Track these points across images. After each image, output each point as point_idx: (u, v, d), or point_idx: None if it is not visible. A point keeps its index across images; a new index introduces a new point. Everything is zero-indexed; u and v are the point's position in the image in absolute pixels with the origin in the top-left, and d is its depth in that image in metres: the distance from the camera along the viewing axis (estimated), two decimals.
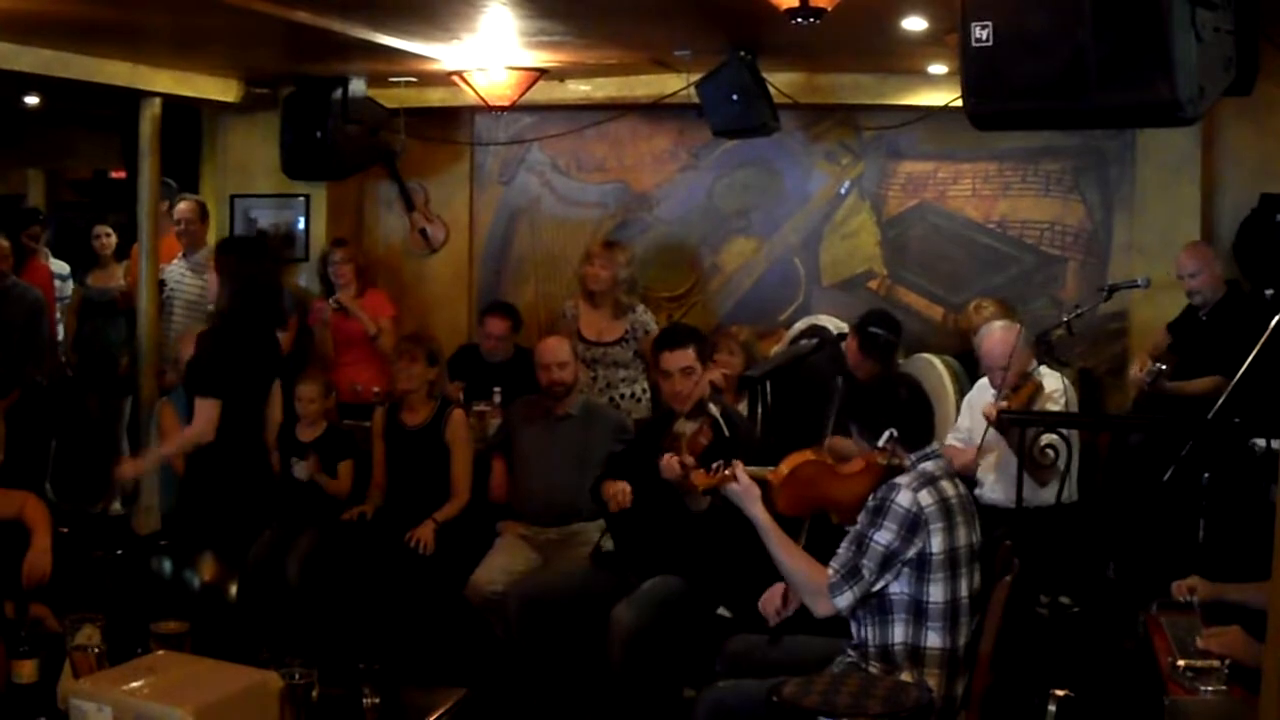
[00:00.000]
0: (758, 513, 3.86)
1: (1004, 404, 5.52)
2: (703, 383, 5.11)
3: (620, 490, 5.04)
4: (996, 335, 5.74)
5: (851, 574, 3.73)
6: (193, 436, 5.42)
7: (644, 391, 6.82)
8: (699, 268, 8.17)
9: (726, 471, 3.91)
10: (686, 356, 5.06)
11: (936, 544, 3.72)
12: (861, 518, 3.81)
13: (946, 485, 3.82)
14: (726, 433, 4.98)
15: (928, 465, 3.85)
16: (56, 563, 4.70)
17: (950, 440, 5.84)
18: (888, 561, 3.72)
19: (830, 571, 3.77)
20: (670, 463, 4.78)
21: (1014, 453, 5.47)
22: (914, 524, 3.70)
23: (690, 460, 4.70)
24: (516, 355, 6.94)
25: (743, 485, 3.87)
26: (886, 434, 3.85)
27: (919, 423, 3.94)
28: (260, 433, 5.75)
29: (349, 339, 7.43)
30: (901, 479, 3.79)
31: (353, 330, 7.42)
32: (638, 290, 7.12)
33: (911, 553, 3.72)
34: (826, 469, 3.93)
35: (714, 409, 5.02)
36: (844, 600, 3.75)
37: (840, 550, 3.80)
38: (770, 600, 4.19)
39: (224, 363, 5.43)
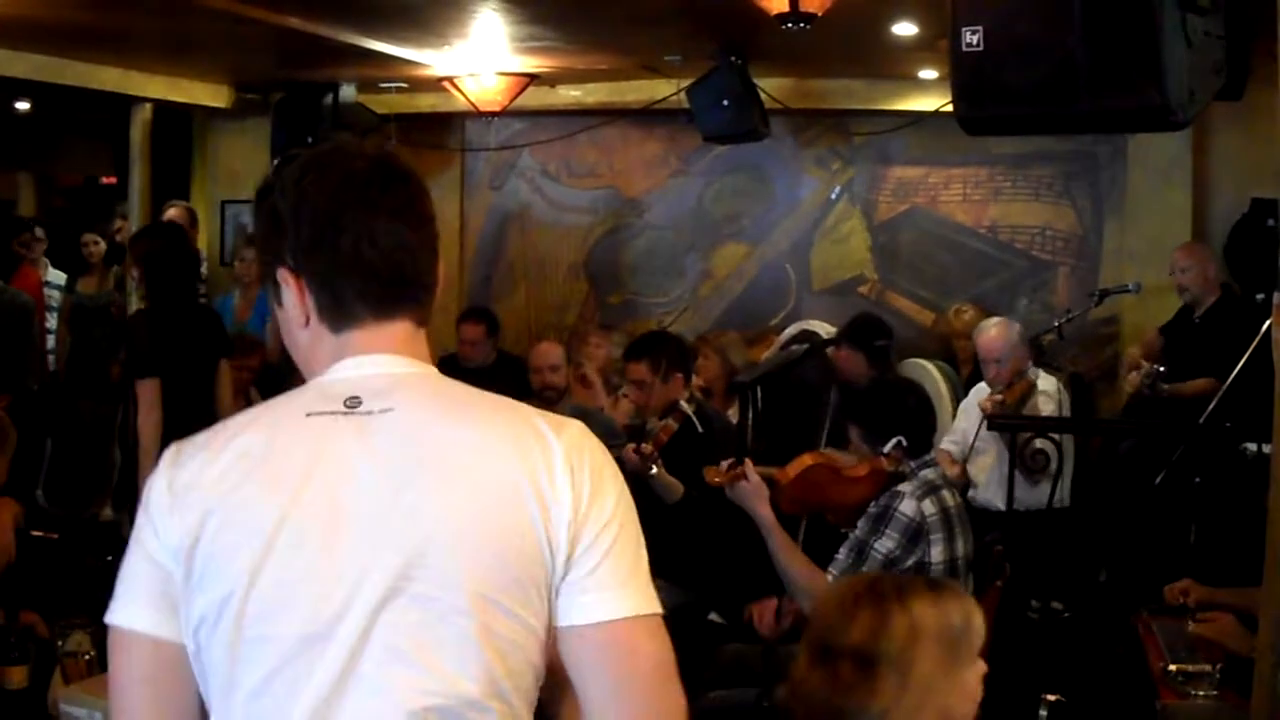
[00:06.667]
0: (764, 512, 3.82)
1: (999, 398, 5.53)
2: (660, 394, 5.13)
3: None
4: (993, 330, 5.75)
5: None
6: (150, 427, 5.22)
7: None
8: (690, 273, 8.18)
9: (739, 469, 3.90)
10: (638, 370, 5.15)
11: (936, 554, 3.71)
12: (862, 524, 3.80)
13: (947, 495, 3.82)
14: (700, 429, 4.99)
15: (928, 473, 3.85)
16: (49, 569, 4.67)
17: (945, 445, 5.83)
18: (886, 570, 3.71)
19: (829, 577, 3.76)
20: (628, 453, 4.80)
21: (1005, 454, 5.46)
22: (916, 533, 3.70)
23: (649, 449, 4.75)
24: (499, 361, 6.91)
25: (753, 484, 3.84)
26: (894, 441, 3.85)
27: (925, 431, 3.96)
28: (210, 413, 5.55)
29: None
30: (904, 486, 3.78)
31: None
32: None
33: (911, 562, 3.71)
34: (833, 472, 3.94)
35: (686, 407, 5.03)
36: None
37: (839, 556, 3.79)
38: (764, 615, 4.13)
39: (157, 341, 5.36)
